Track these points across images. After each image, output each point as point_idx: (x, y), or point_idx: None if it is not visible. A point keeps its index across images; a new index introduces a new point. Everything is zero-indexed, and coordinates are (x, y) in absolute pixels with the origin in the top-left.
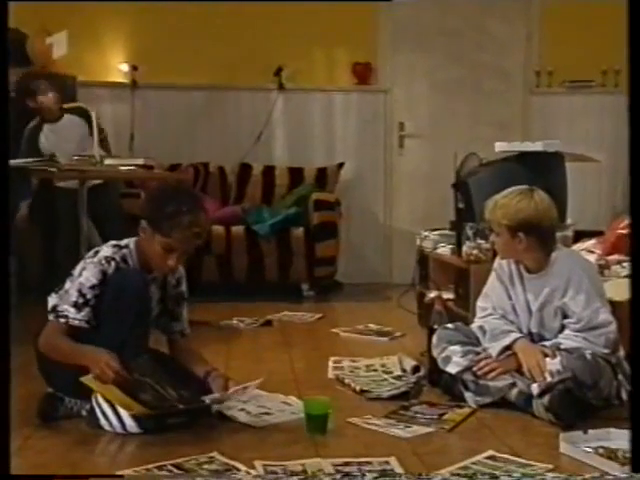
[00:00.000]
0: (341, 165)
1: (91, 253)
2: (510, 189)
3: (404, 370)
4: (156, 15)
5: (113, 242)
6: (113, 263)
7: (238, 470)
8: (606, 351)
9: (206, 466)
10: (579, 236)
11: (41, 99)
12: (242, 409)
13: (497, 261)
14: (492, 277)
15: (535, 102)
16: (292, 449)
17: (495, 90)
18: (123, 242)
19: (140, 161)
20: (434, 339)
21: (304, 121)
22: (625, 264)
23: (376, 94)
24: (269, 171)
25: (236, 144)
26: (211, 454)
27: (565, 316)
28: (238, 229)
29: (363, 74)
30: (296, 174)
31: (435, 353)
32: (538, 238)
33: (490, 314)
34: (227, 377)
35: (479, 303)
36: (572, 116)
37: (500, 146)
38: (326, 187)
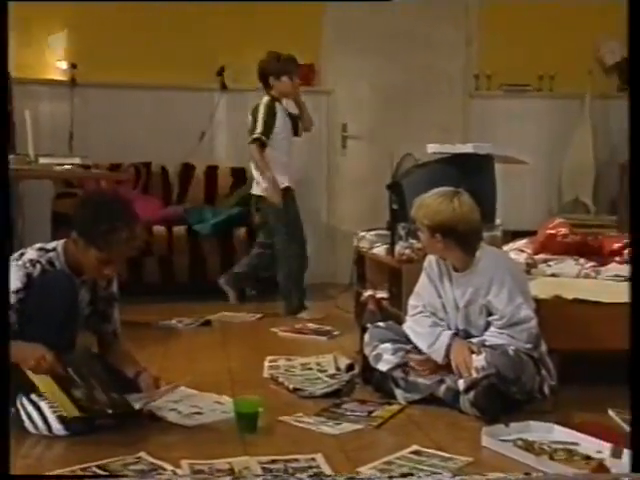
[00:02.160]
0: None
1: (16, 255)
2: (436, 190)
3: (338, 368)
4: (96, 13)
5: (39, 245)
6: (38, 266)
7: (164, 470)
8: (528, 346)
9: (132, 467)
10: (517, 236)
11: None
12: (173, 409)
13: (427, 260)
14: (422, 275)
15: (474, 105)
16: (221, 448)
17: (436, 93)
18: (50, 245)
19: (77, 160)
20: (366, 337)
21: (247, 121)
22: (551, 263)
23: (319, 95)
24: (212, 171)
25: (179, 144)
26: (138, 454)
27: (490, 313)
28: (180, 229)
29: (306, 75)
30: (239, 174)
31: (367, 351)
32: (455, 239)
33: (421, 312)
34: (157, 377)
35: (410, 301)
36: (510, 119)
37: (432, 148)
38: None
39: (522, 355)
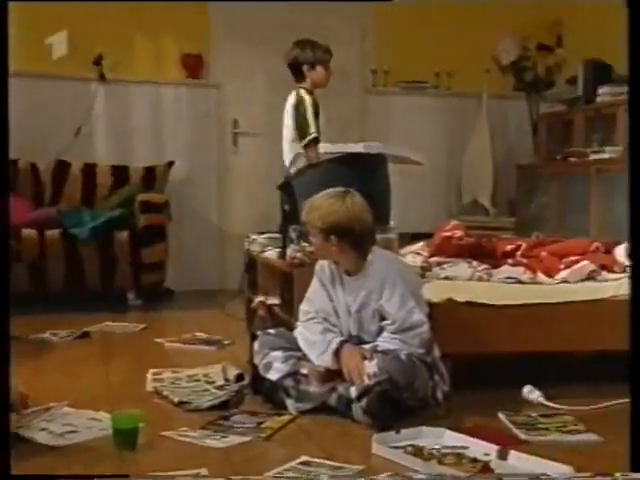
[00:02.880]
0: (171, 164)
1: None
2: (326, 191)
3: (227, 379)
4: None
5: None
6: None
7: None
8: (421, 351)
9: None
10: (416, 238)
11: None
12: (44, 429)
13: (318, 263)
14: (314, 280)
15: (372, 101)
16: (98, 467)
17: (333, 88)
18: None
19: None
20: (255, 345)
21: (129, 115)
22: (445, 266)
23: (208, 89)
24: (90, 169)
25: (51, 139)
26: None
27: (383, 318)
28: (53, 233)
29: (193, 67)
30: (120, 173)
31: (257, 360)
32: (351, 241)
33: (312, 318)
34: (26, 395)
35: (302, 307)
36: (408, 117)
37: (324, 147)
38: (154, 187)
39: (415, 360)
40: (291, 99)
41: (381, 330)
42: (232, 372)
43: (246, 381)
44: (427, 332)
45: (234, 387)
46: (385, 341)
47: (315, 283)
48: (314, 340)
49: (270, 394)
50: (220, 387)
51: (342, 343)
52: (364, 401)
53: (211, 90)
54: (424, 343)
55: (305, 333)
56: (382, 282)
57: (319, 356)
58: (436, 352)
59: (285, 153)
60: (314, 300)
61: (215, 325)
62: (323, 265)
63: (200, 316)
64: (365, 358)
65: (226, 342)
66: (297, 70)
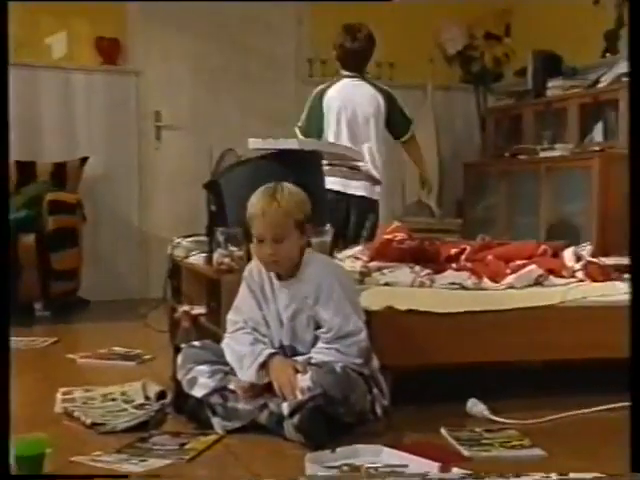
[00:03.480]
0: (84, 160)
1: None
2: (262, 187)
3: (148, 397)
4: None
5: None
6: None
7: None
8: (358, 361)
9: None
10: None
11: None
12: None
13: (247, 268)
14: (242, 286)
15: (309, 93)
16: None
17: (265, 78)
18: None
19: None
20: (179, 359)
21: (35, 104)
22: (385, 271)
23: (126, 76)
24: None
25: None
26: None
27: (318, 327)
28: None
29: (109, 52)
30: (26, 169)
31: (180, 375)
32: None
33: (241, 328)
34: None
35: (230, 316)
36: None
37: (254, 143)
38: (65, 186)
39: (351, 373)
40: (365, 89)
41: (316, 340)
42: (153, 389)
43: (168, 399)
44: (365, 340)
45: (155, 406)
46: (320, 352)
47: (243, 290)
48: (242, 353)
49: (195, 413)
50: (139, 406)
51: (272, 355)
52: (297, 418)
53: (129, 77)
54: (362, 352)
55: (232, 345)
56: (317, 287)
57: (246, 370)
58: (375, 363)
59: (373, 153)
60: (242, 308)
61: (135, 338)
62: (252, 269)
63: (118, 328)
64: (298, 371)
65: (147, 357)
66: (363, 65)
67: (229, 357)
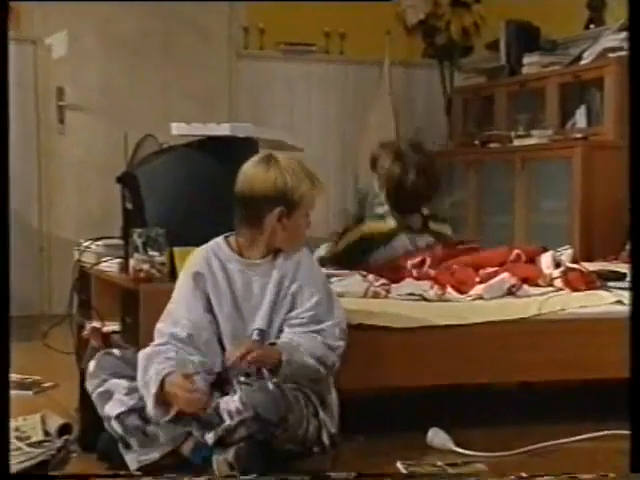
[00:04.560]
0: None
1: None
2: (286, 162)
3: (48, 433)
4: None
5: None
6: None
7: None
8: (340, 344)
9: None
10: None
11: None
12: None
13: (201, 263)
14: (185, 288)
15: (244, 68)
16: None
17: (192, 51)
18: None
19: None
20: (91, 367)
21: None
22: (334, 279)
23: (21, 45)
24: None
25: None
26: None
27: (291, 310)
28: None
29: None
30: None
31: (91, 386)
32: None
33: (165, 344)
34: None
35: (158, 324)
36: (291, 88)
37: (178, 128)
38: None
39: (285, 390)
40: None
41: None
42: (54, 423)
43: (73, 434)
44: (344, 321)
45: (56, 443)
46: (292, 335)
47: (186, 291)
48: (148, 377)
49: (108, 449)
50: (37, 444)
51: (168, 375)
52: (228, 452)
53: (25, 47)
54: (343, 334)
55: (145, 363)
56: (297, 263)
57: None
58: (330, 381)
59: None
60: (179, 314)
61: (33, 362)
62: (211, 264)
63: (13, 350)
64: (226, 394)
65: (47, 384)
66: None
67: (139, 376)
